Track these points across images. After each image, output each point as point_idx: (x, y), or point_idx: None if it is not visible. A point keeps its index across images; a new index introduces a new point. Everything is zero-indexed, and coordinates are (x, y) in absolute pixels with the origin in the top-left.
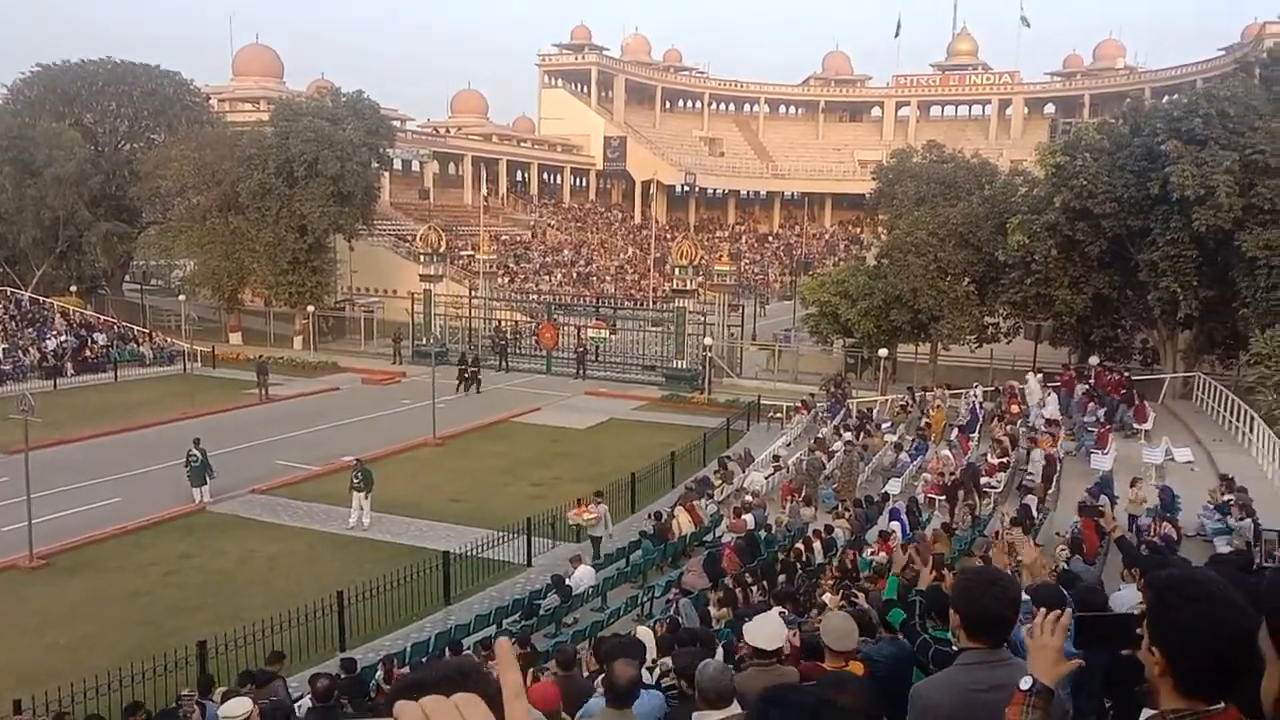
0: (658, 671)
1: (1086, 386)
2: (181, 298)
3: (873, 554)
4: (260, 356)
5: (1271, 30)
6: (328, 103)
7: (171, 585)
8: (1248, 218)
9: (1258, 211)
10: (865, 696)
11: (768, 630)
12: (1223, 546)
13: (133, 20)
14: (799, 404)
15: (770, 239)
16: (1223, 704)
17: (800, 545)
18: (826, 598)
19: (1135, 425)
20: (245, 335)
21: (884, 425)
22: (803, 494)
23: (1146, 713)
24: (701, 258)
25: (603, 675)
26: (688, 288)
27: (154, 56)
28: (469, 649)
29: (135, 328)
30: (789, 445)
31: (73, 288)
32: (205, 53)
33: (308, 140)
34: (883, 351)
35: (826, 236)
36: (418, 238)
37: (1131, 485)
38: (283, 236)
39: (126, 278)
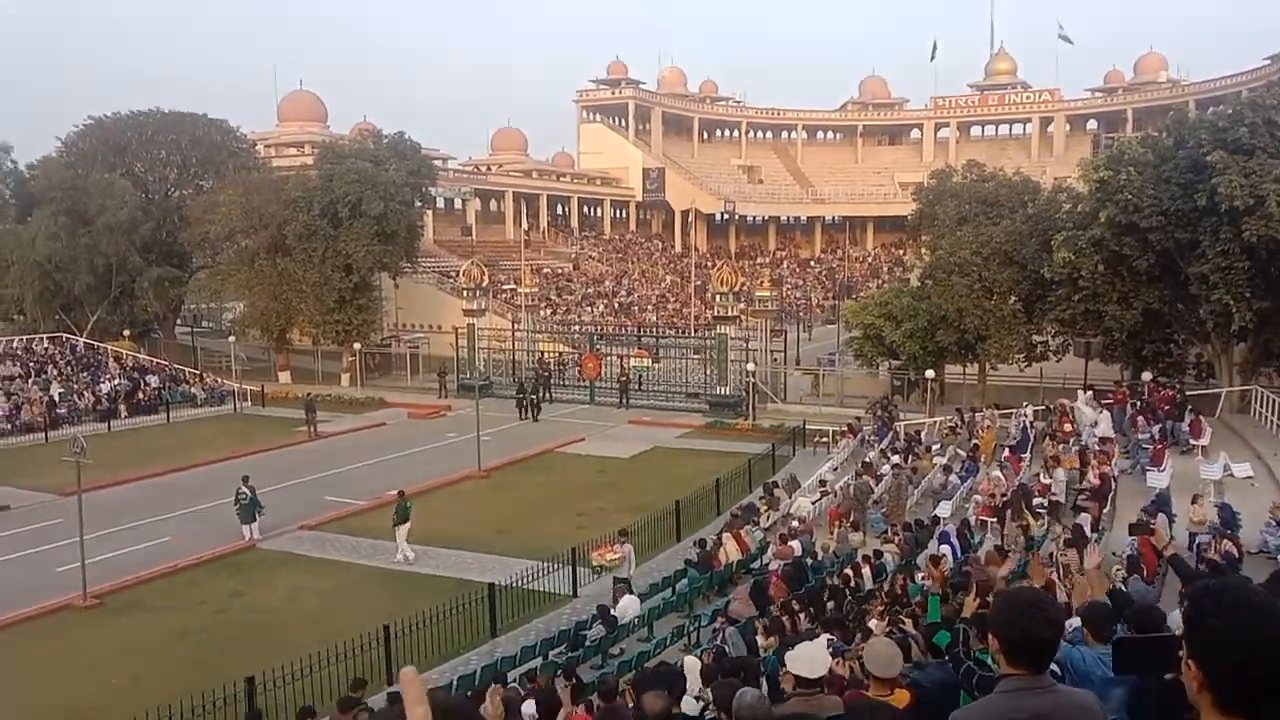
0: (701, 703)
1: (1139, 403)
2: (231, 339)
3: (923, 579)
4: (308, 394)
5: None
6: (370, 145)
7: (222, 623)
8: None
9: None
10: None
11: (810, 658)
12: None
13: (181, 68)
14: (845, 428)
15: (812, 263)
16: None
17: (849, 571)
18: (872, 623)
19: (1191, 440)
20: (294, 374)
21: (933, 447)
22: (850, 519)
23: None
24: (742, 284)
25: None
26: (729, 314)
27: (200, 104)
28: (514, 681)
29: (187, 369)
30: (835, 470)
31: (126, 332)
32: (251, 100)
33: (351, 182)
34: (929, 373)
35: (869, 259)
36: (461, 273)
37: (1193, 503)
38: (329, 276)
39: (178, 321)
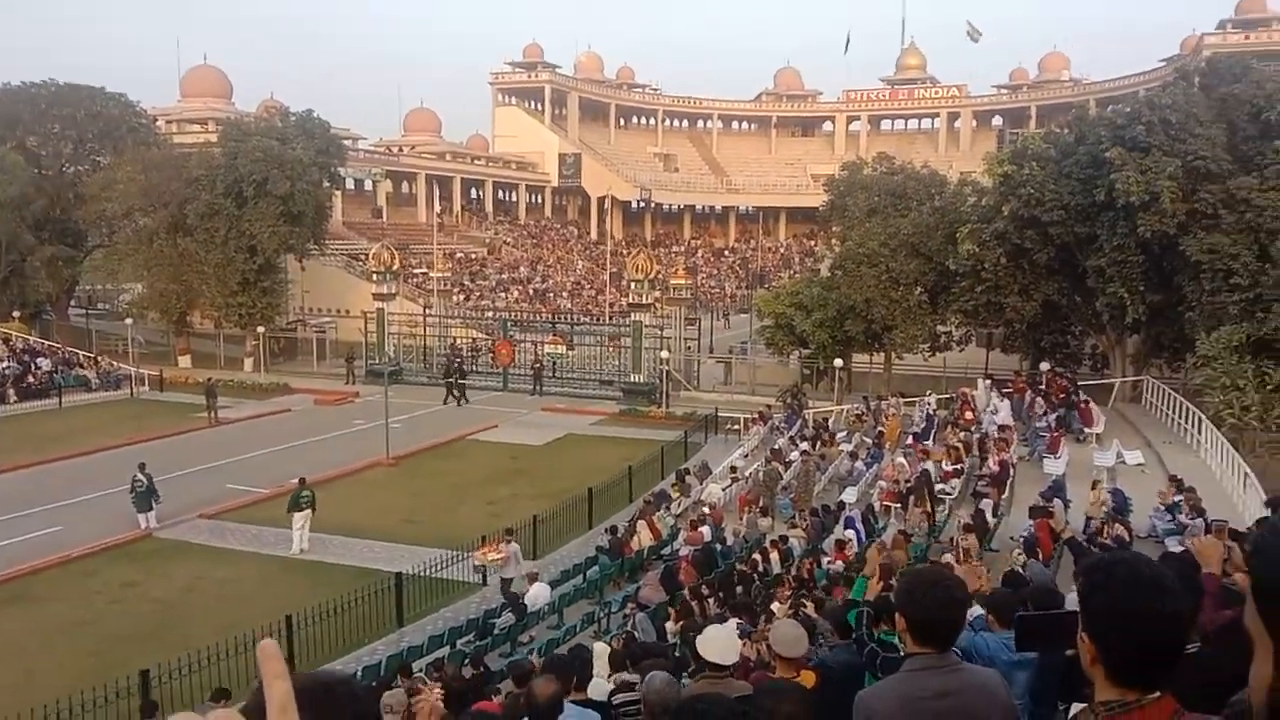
0: (609, 687)
1: (1037, 392)
2: (129, 321)
3: (830, 563)
4: (209, 379)
5: (1209, 41)
6: (277, 122)
7: (117, 614)
8: (1191, 222)
9: (1200, 216)
10: (803, 706)
11: (720, 643)
12: (1174, 546)
13: (77, 41)
14: (756, 415)
15: (726, 253)
16: (1158, 693)
17: (757, 556)
18: (775, 607)
19: (1083, 428)
20: (195, 358)
21: (839, 435)
22: (760, 505)
23: (1077, 707)
24: (657, 272)
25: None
26: (644, 302)
27: (100, 80)
28: (420, 670)
29: (81, 353)
30: (746, 456)
31: (15, 313)
32: (152, 75)
33: (256, 160)
34: (838, 362)
35: (781, 250)
36: (370, 256)
37: (1092, 488)
38: (232, 257)
39: (72, 302)
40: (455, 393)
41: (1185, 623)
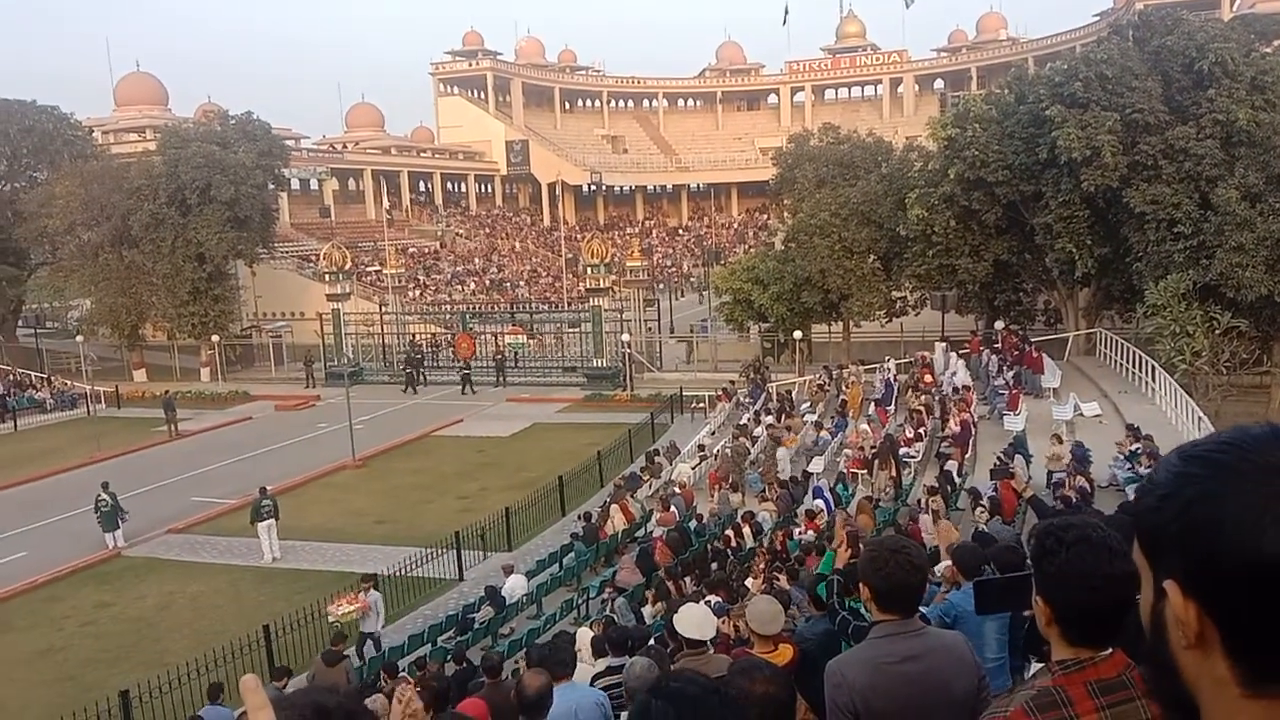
0: (593, 672)
1: (994, 351)
2: (79, 339)
3: (801, 534)
4: (166, 392)
5: None
6: (216, 127)
7: (89, 637)
8: (1133, 175)
9: (1142, 168)
10: (776, 683)
11: (696, 620)
12: (1135, 494)
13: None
14: (720, 392)
15: (680, 231)
16: (1109, 650)
17: (730, 532)
18: (749, 582)
19: (1034, 377)
20: (150, 372)
21: (803, 406)
22: (729, 481)
23: (1034, 666)
24: (613, 255)
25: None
26: (602, 286)
27: (30, 93)
28: (404, 670)
29: (32, 374)
30: (713, 434)
31: None
32: (85, 85)
33: (198, 166)
34: (797, 334)
35: (735, 225)
36: (321, 257)
37: (1052, 442)
38: (180, 267)
39: (19, 323)
40: (412, 383)
41: (1135, 582)
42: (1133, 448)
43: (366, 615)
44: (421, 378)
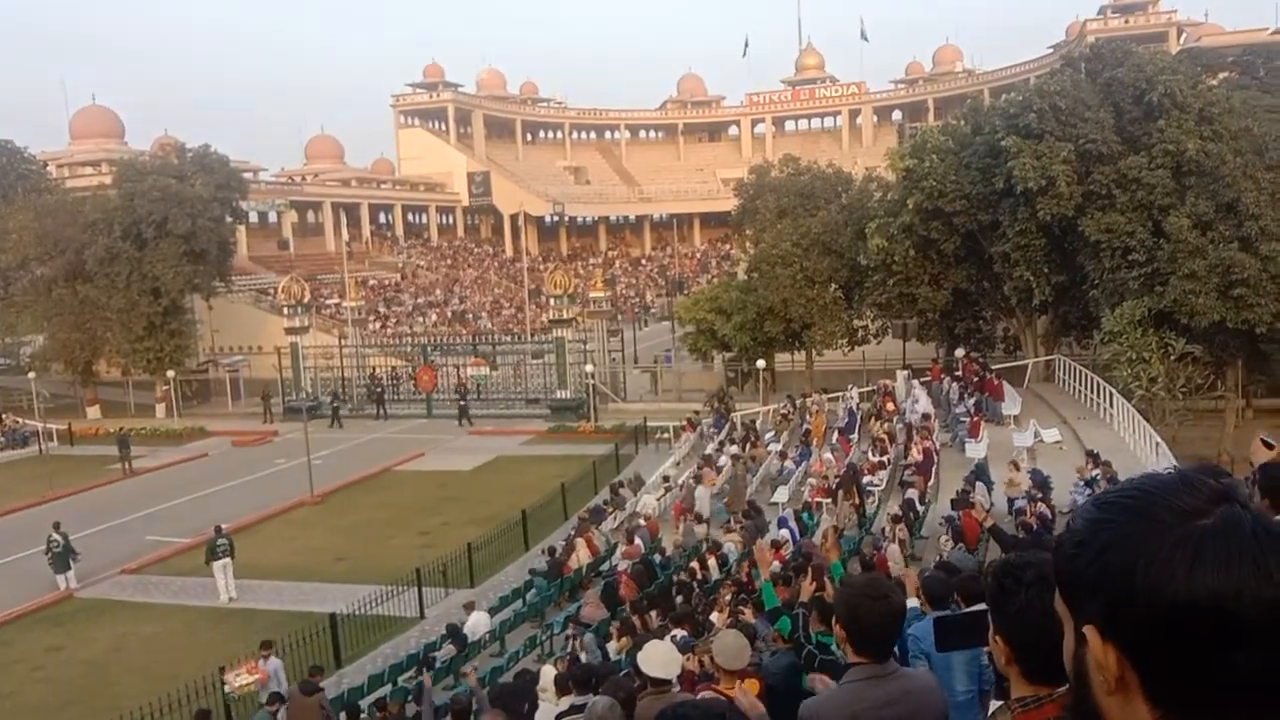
0: (556, 710)
1: (955, 379)
2: (31, 375)
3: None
4: (120, 429)
5: (1092, 27)
6: (173, 160)
7: (39, 682)
8: (1087, 204)
9: (1096, 197)
10: None
11: (660, 659)
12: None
13: None
14: (685, 422)
15: (644, 262)
16: (1066, 685)
17: (695, 564)
18: (714, 616)
19: (995, 405)
20: (104, 408)
21: (767, 435)
22: (694, 512)
23: (994, 704)
24: (576, 286)
25: None
26: (565, 317)
27: None
28: (365, 711)
29: None
30: (678, 464)
31: None
32: (40, 118)
33: (154, 200)
34: (760, 363)
35: (698, 255)
36: (280, 290)
37: (1009, 469)
38: (135, 301)
39: None
40: (381, 404)
41: None
42: (1093, 473)
43: (265, 688)
44: (383, 412)
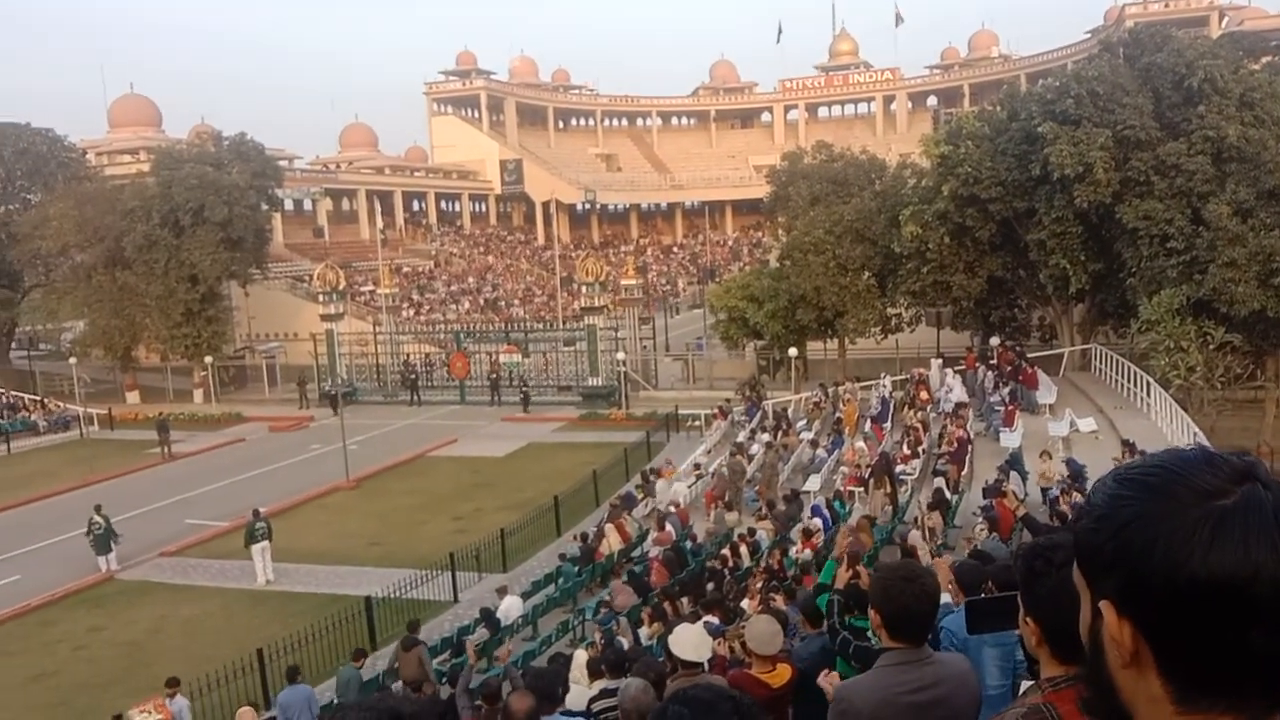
0: (589, 694)
1: (989, 367)
2: (72, 360)
3: (798, 552)
4: (160, 414)
5: (1131, 12)
6: (210, 147)
7: (82, 661)
8: (1125, 191)
9: (1134, 184)
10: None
11: (692, 641)
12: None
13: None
14: (716, 410)
15: (675, 249)
16: None
17: (726, 551)
18: (745, 603)
19: (1030, 394)
20: (143, 393)
21: (799, 423)
22: (725, 500)
23: (1026, 683)
24: (608, 274)
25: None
26: (596, 305)
27: (24, 114)
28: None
29: (25, 396)
30: (709, 452)
31: None
32: (79, 106)
33: (192, 187)
34: (792, 351)
35: (729, 243)
36: (315, 277)
37: (1040, 459)
38: (173, 288)
39: (13, 345)
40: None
41: None
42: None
43: None
44: (417, 398)
